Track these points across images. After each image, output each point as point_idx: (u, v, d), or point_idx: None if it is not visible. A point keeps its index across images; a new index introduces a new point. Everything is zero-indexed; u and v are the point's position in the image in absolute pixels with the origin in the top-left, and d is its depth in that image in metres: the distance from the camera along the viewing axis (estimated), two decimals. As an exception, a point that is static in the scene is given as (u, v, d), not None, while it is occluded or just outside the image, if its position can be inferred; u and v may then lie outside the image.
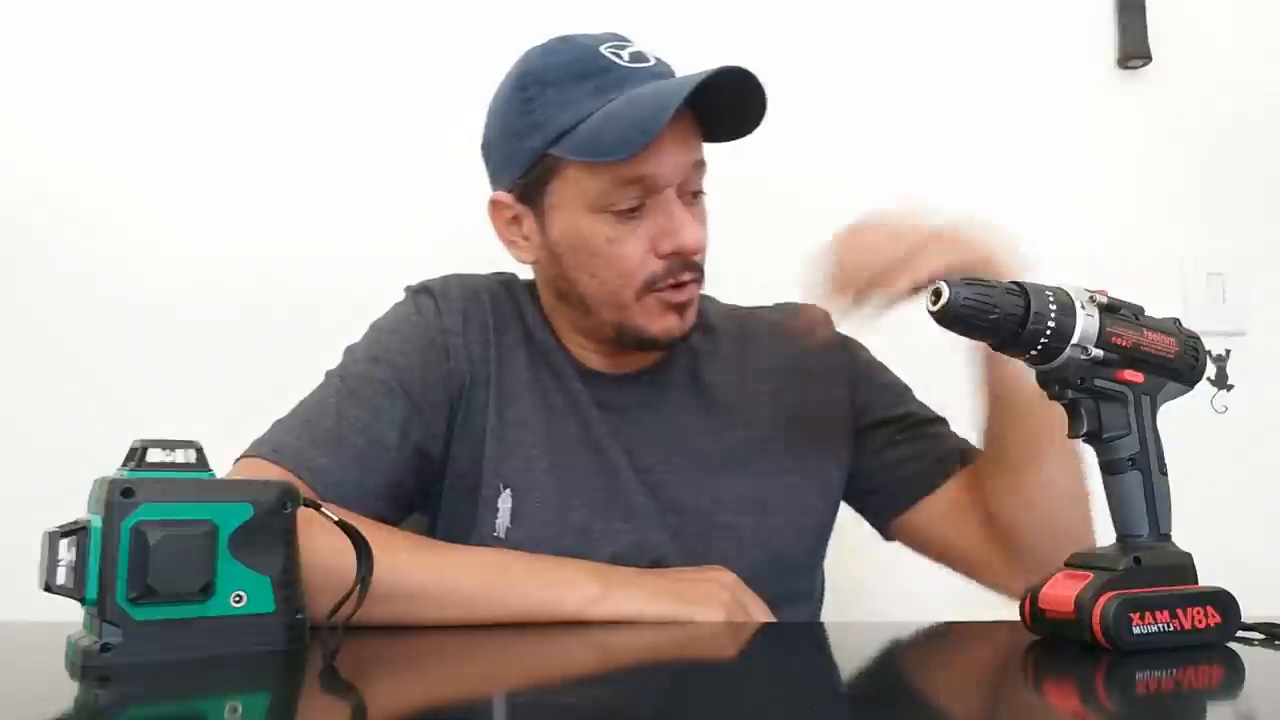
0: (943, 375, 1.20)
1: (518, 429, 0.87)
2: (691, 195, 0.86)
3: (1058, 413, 0.66)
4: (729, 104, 0.83)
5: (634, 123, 0.79)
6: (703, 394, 0.94)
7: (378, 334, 0.90)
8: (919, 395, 0.99)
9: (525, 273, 0.97)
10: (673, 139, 0.81)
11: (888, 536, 0.97)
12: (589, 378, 0.92)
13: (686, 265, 0.84)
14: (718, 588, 0.78)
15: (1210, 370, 1.38)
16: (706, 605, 0.76)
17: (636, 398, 0.92)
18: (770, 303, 1.04)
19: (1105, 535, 0.67)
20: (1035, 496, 0.84)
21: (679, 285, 0.84)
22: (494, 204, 0.91)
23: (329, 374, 0.88)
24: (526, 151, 0.85)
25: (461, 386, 0.87)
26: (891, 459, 0.94)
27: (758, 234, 1.32)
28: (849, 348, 0.99)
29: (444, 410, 0.87)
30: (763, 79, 0.81)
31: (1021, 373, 0.71)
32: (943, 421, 0.97)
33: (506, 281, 0.97)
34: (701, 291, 0.89)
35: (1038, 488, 0.83)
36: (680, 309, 0.86)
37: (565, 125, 0.82)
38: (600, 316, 0.87)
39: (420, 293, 0.92)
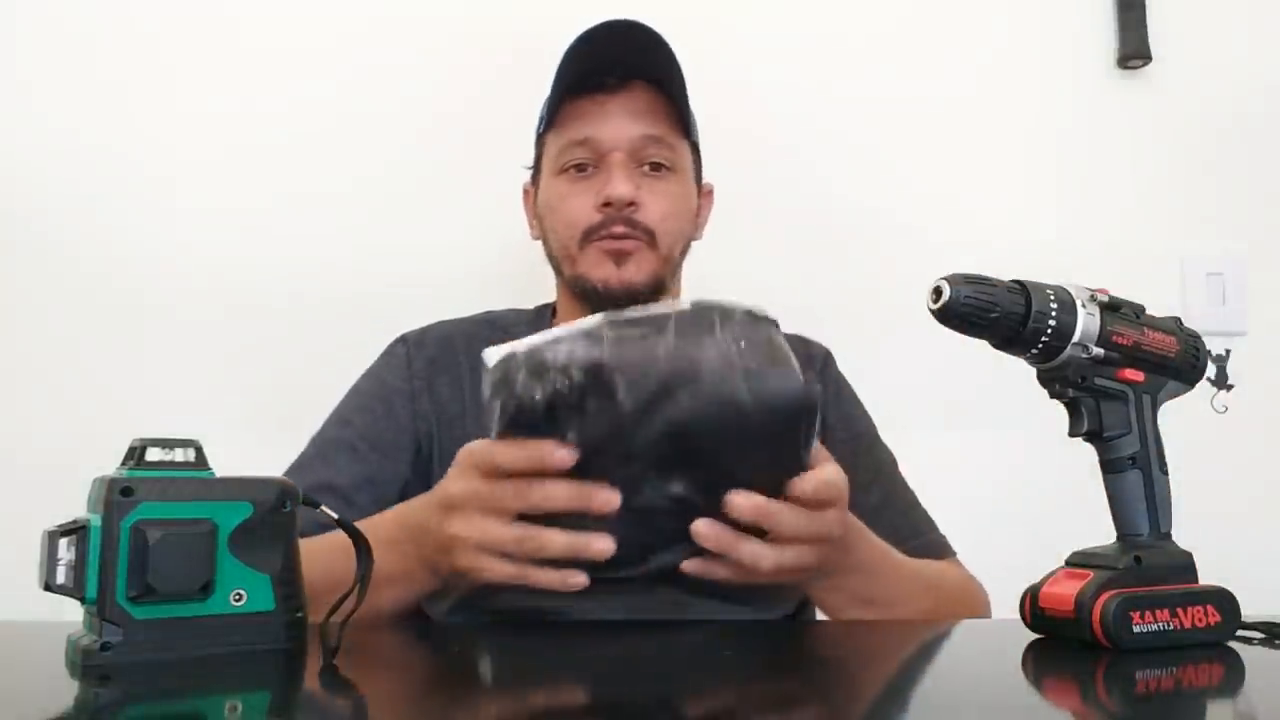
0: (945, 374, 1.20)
1: None
2: (650, 167, 0.93)
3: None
4: (659, 77, 0.92)
5: (554, 94, 0.93)
6: None
7: (350, 395, 0.98)
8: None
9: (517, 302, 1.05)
10: (619, 108, 0.92)
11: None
12: None
13: (622, 219, 0.91)
14: (440, 545, 0.65)
15: (1210, 370, 1.38)
16: (437, 563, 0.66)
17: None
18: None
19: (1105, 535, 0.67)
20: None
21: (612, 235, 0.91)
22: (524, 192, 1.05)
23: (311, 440, 0.94)
24: (535, 138, 0.99)
25: (430, 428, 0.94)
26: None
27: (752, 238, 1.32)
28: (849, 408, 1.02)
29: (410, 450, 0.93)
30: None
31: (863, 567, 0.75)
32: (915, 510, 0.99)
33: (492, 320, 1.03)
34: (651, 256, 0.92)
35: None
36: (616, 259, 0.92)
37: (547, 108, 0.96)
38: (566, 277, 0.96)
39: (397, 343, 1.00)
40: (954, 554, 0.99)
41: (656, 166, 0.93)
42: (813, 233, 1.34)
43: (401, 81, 1.30)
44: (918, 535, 0.98)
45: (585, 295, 0.93)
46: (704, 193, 1.02)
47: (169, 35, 1.27)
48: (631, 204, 0.91)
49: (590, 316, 0.58)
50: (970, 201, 1.37)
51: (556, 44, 0.94)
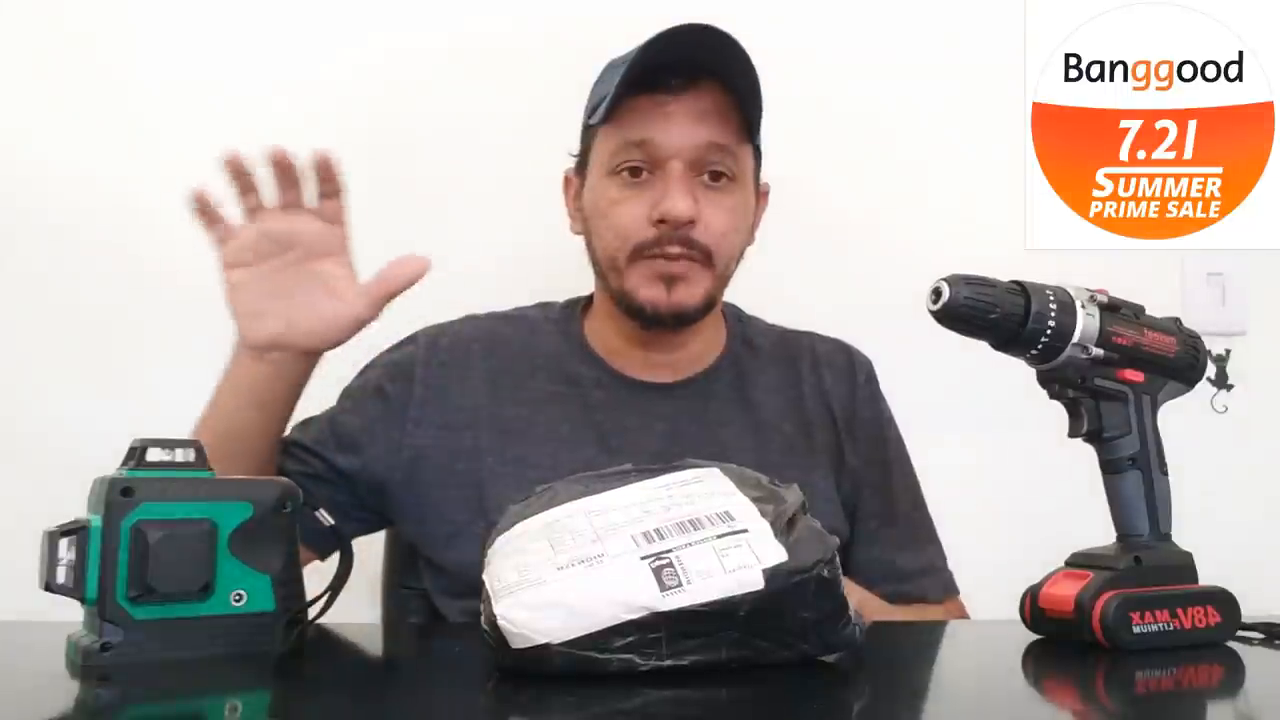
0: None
1: (519, 464, 0.88)
2: (710, 176, 0.88)
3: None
4: (728, 75, 0.86)
5: (612, 87, 0.85)
6: (748, 410, 0.95)
7: (349, 391, 0.95)
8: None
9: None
10: (682, 113, 0.86)
11: None
12: (632, 389, 0.94)
13: (678, 238, 0.86)
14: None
15: (1210, 370, 1.38)
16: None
17: (682, 407, 0.93)
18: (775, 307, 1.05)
19: (1105, 535, 0.67)
20: None
21: (666, 256, 0.86)
22: (564, 180, 0.98)
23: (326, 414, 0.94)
24: (582, 126, 0.93)
25: (432, 434, 0.90)
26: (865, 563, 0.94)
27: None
28: (885, 429, 0.99)
29: (404, 454, 0.90)
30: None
31: None
32: (928, 545, 0.97)
33: (518, 317, 0.99)
34: (707, 277, 0.89)
35: None
36: (668, 281, 0.87)
37: (599, 96, 0.89)
38: (610, 286, 0.91)
39: (407, 342, 0.97)
40: (956, 593, 0.97)
41: (716, 176, 0.87)
42: (810, 233, 1.34)
43: (415, 74, 1.29)
44: (928, 572, 0.96)
45: (631, 312, 0.90)
46: (761, 194, 0.96)
47: (178, 29, 1.27)
48: (690, 221, 0.85)
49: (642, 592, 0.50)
50: (968, 200, 1.37)
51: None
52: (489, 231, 1.27)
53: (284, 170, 0.77)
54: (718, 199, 0.88)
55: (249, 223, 0.78)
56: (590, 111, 0.91)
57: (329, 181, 0.79)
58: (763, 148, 0.94)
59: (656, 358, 0.94)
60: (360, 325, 0.80)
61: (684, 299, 0.88)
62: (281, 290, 0.79)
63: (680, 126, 0.86)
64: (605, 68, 0.92)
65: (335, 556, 0.68)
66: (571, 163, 0.97)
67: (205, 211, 0.78)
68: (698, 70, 0.86)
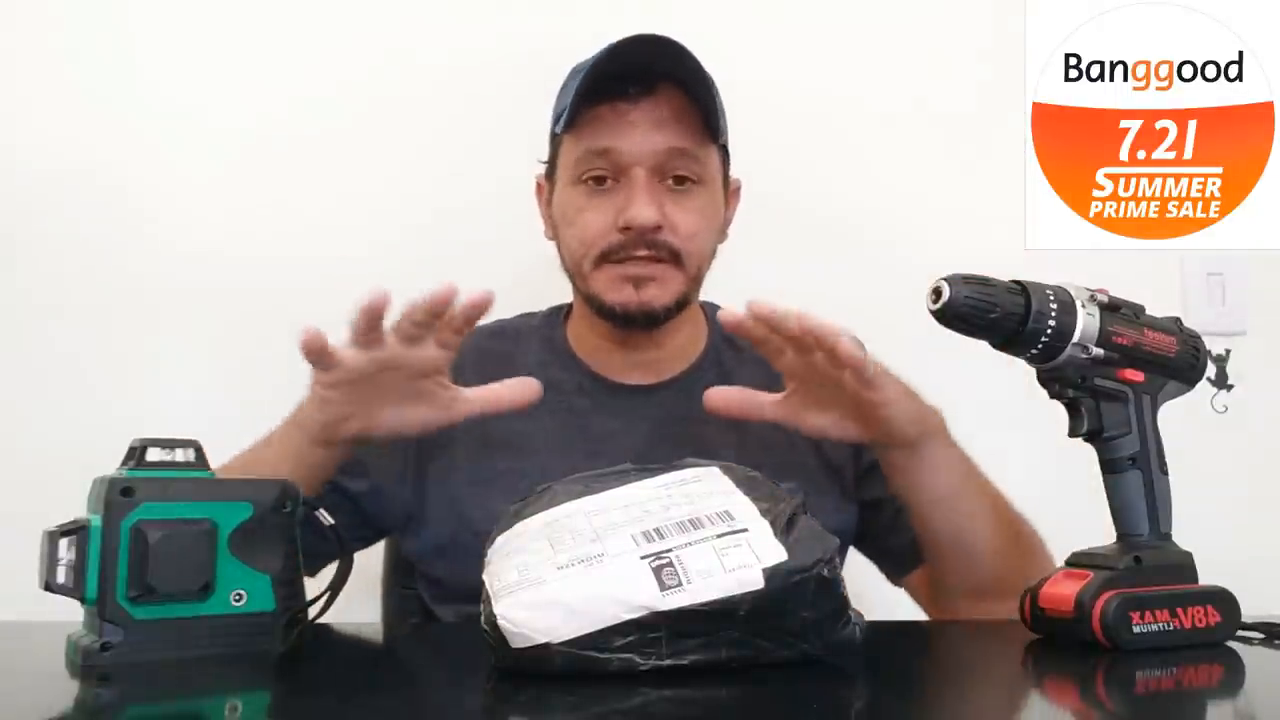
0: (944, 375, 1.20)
1: (505, 476, 0.88)
2: (675, 180, 0.89)
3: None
4: (686, 81, 0.87)
5: (571, 95, 0.86)
6: None
7: None
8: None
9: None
10: (643, 120, 0.87)
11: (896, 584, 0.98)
12: (615, 392, 0.94)
13: (644, 242, 0.87)
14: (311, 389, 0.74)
15: (1210, 370, 1.38)
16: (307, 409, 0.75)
17: (665, 407, 0.93)
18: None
19: (1105, 535, 0.67)
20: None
21: (633, 259, 0.87)
22: (537, 186, 0.99)
23: None
24: (550, 134, 0.94)
25: (424, 452, 0.90)
26: (893, 537, 0.94)
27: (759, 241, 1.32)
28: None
29: (407, 473, 0.90)
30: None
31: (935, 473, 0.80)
32: None
33: (501, 329, 0.99)
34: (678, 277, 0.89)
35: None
36: (635, 282, 0.88)
37: (563, 104, 0.90)
38: (580, 291, 0.93)
39: None
40: None
41: (681, 180, 0.89)
42: (809, 233, 1.34)
43: (415, 79, 1.29)
44: None
45: (602, 314, 0.91)
46: (731, 191, 0.97)
47: (177, 34, 1.27)
48: (656, 228, 0.87)
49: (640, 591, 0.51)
50: (967, 200, 1.37)
51: (575, 45, 0.92)
52: (480, 244, 1.27)
53: (436, 315, 0.70)
54: (684, 202, 0.89)
55: (360, 350, 0.71)
56: (555, 119, 0.92)
57: (459, 324, 0.73)
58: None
59: (637, 359, 0.95)
60: (437, 426, 0.78)
61: (653, 298, 0.88)
62: (373, 399, 0.74)
63: (641, 133, 0.87)
64: (569, 73, 0.93)
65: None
66: (543, 169, 0.97)
67: (322, 359, 0.71)
68: (655, 77, 0.87)
